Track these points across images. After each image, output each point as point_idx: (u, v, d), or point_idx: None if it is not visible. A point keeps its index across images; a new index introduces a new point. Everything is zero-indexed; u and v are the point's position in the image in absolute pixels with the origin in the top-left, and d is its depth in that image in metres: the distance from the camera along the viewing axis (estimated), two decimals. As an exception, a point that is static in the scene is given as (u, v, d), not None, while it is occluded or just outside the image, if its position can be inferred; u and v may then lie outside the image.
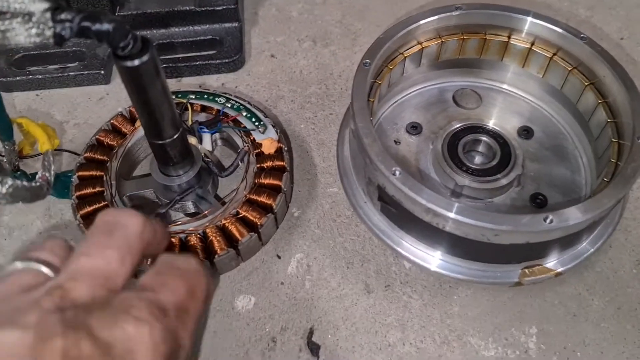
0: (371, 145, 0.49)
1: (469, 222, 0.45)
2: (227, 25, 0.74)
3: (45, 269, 0.33)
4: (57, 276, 0.32)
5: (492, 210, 0.56)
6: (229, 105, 0.63)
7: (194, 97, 0.64)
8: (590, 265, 0.57)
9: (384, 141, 0.62)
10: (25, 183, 0.54)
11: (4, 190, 0.45)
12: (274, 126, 0.62)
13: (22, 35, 0.37)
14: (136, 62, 0.42)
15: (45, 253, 0.34)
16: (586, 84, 0.58)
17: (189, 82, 0.73)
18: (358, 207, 0.57)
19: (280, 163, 0.59)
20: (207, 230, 0.55)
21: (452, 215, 0.45)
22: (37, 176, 0.56)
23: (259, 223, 0.55)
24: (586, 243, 0.55)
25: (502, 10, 0.60)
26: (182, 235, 0.54)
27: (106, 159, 0.59)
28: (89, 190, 0.56)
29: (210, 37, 0.74)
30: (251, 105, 0.64)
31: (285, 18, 0.80)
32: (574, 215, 0.46)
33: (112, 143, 0.60)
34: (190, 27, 0.74)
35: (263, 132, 0.62)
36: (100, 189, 0.57)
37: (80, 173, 0.57)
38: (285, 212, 0.61)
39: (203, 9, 0.72)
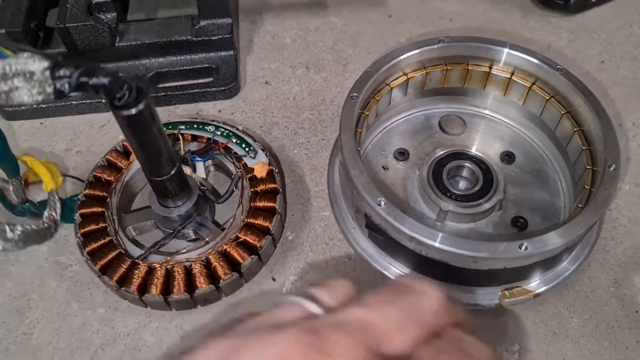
0: (358, 176, 0.52)
1: (450, 249, 0.48)
2: (222, 53, 0.77)
3: (314, 307, 0.30)
4: (321, 317, 0.29)
5: (475, 234, 0.59)
6: (219, 133, 0.66)
7: (184, 127, 0.67)
8: (570, 284, 0.60)
9: (373, 167, 0.65)
10: (33, 226, 0.58)
11: (15, 237, 0.47)
12: (263, 150, 0.65)
13: (25, 95, 0.40)
14: (133, 111, 0.44)
15: (325, 292, 0.31)
16: (563, 112, 0.61)
17: (186, 109, 0.76)
18: (347, 233, 0.60)
19: (272, 185, 0.63)
20: (210, 257, 0.58)
21: (433, 243, 0.48)
22: (44, 216, 0.60)
23: (258, 245, 0.59)
24: (566, 262, 0.58)
25: (482, 42, 0.63)
26: (187, 264, 0.57)
27: (105, 194, 0.61)
28: (92, 227, 0.59)
29: (207, 65, 0.77)
30: (240, 131, 0.67)
31: (280, 45, 0.83)
32: (549, 242, 0.49)
33: (109, 179, 0.63)
34: (187, 56, 0.77)
35: (254, 157, 0.65)
36: (103, 225, 0.59)
37: (81, 211, 0.60)
38: (282, 232, 0.64)
39: (199, 38, 0.75)
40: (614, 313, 0.59)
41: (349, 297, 0.31)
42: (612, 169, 0.52)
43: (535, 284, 0.57)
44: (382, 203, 0.50)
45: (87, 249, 0.58)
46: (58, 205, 0.62)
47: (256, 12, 0.87)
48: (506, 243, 0.47)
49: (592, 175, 0.56)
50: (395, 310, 0.28)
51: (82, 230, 0.59)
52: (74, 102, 0.74)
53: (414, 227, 0.48)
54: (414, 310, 0.29)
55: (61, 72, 0.39)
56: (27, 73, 0.39)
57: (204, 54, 0.77)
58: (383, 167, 0.65)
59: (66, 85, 0.40)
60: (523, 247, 0.48)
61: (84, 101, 0.74)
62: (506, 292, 0.54)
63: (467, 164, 0.62)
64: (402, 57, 0.62)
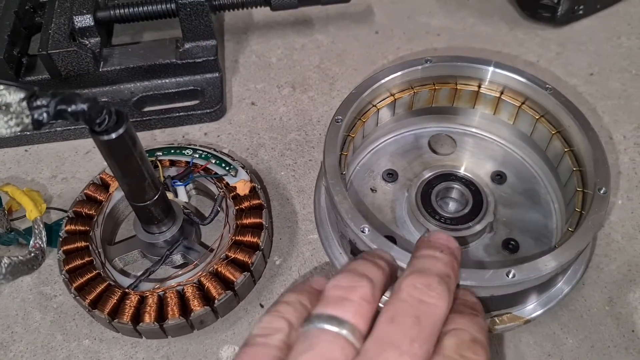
0: (341, 202, 0.51)
1: (437, 278, 0.47)
2: (208, 75, 0.77)
3: (352, 339, 0.36)
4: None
5: (465, 258, 0.58)
6: (197, 156, 0.66)
7: (161, 153, 0.66)
8: (564, 304, 0.59)
9: (361, 189, 0.64)
10: (21, 257, 0.57)
11: (3, 270, 0.47)
12: (243, 167, 0.65)
13: (3, 128, 0.39)
14: (113, 136, 0.45)
15: (352, 311, 0.37)
16: (553, 132, 0.60)
17: (172, 133, 0.75)
18: (334, 258, 0.59)
19: (256, 201, 0.62)
20: (202, 279, 0.57)
21: (420, 272, 0.47)
22: (30, 245, 0.59)
23: (249, 262, 0.58)
24: (561, 283, 0.57)
25: (469, 62, 0.62)
26: (179, 288, 0.56)
27: (88, 228, 0.60)
28: (77, 262, 0.58)
29: (192, 88, 0.76)
30: (218, 151, 0.67)
31: (265, 65, 0.82)
32: (537, 268, 0.48)
33: (90, 212, 0.62)
34: (172, 79, 0.76)
35: (235, 175, 0.64)
36: (88, 259, 0.58)
37: (64, 247, 0.59)
38: (271, 247, 0.64)
39: (184, 61, 0.75)
40: (610, 332, 0.58)
41: (372, 311, 0.38)
42: (602, 192, 0.51)
43: (531, 307, 0.56)
44: (366, 230, 0.49)
45: (75, 285, 0.57)
46: (43, 233, 0.61)
47: (241, 31, 0.86)
48: (492, 271, 0.46)
49: (582, 198, 0.55)
50: (421, 347, 0.36)
51: (67, 267, 0.58)
52: (58, 129, 0.73)
53: (398, 255, 0.47)
54: (434, 331, 0.38)
55: (38, 102, 0.39)
56: (3, 105, 0.38)
57: (189, 77, 0.77)
58: (371, 189, 0.64)
59: (44, 115, 0.40)
60: (510, 275, 0.47)
61: (69, 127, 0.73)
62: (496, 319, 0.53)
63: (456, 186, 0.61)
64: (388, 78, 0.61)
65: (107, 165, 0.50)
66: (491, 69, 0.62)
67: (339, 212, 0.51)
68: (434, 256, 0.42)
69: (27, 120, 0.39)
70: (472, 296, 0.45)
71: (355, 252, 0.54)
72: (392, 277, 0.44)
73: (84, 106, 0.41)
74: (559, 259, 0.48)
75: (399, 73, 0.61)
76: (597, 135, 0.56)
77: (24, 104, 0.39)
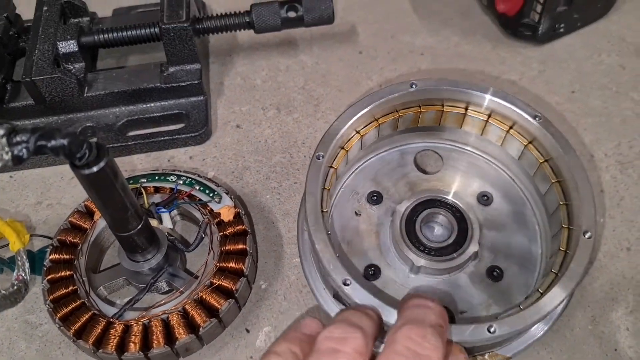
0: (323, 251, 0.51)
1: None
2: (192, 99, 0.77)
3: None
4: None
5: (450, 286, 0.59)
6: (181, 182, 0.66)
7: (145, 180, 0.66)
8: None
9: (345, 213, 0.64)
10: (3, 291, 0.57)
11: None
12: (227, 193, 0.65)
13: None
14: (94, 169, 0.45)
15: None
16: (541, 161, 0.60)
17: (157, 157, 0.75)
18: (314, 287, 0.59)
19: (241, 227, 0.62)
20: (186, 306, 0.57)
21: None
22: (13, 277, 0.59)
23: (234, 288, 0.58)
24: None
25: (455, 86, 0.61)
26: (164, 316, 0.57)
27: (72, 257, 0.60)
28: (61, 292, 0.58)
29: (177, 111, 0.77)
30: (202, 177, 0.67)
31: (250, 86, 0.82)
32: (518, 323, 0.48)
33: (74, 241, 0.62)
34: (157, 103, 0.77)
35: (219, 202, 0.65)
36: (73, 288, 0.58)
37: (49, 277, 0.59)
38: (255, 273, 0.64)
39: (168, 85, 0.75)
40: (593, 352, 0.58)
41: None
42: (587, 236, 0.51)
43: (515, 343, 0.56)
44: (348, 282, 0.49)
45: (59, 315, 0.57)
46: (26, 265, 0.61)
47: (226, 53, 0.86)
48: (474, 326, 0.46)
49: (568, 235, 0.54)
50: None
51: (51, 297, 0.58)
52: (43, 155, 0.73)
53: (380, 308, 0.47)
54: None
55: (18, 138, 0.39)
56: None
57: (174, 100, 0.77)
58: (356, 212, 0.65)
59: (24, 151, 0.40)
60: (492, 330, 0.47)
61: (54, 153, 0.73)
62: (478, 358, 0.54)
63: (441, 213, 0.61)
64: (371, 106, 0.60)
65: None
66: (477, 93, 0.61)
67: (320, 262, 0.51)
68: (426, 306, 0.43)
69: (7, 157, 0.39)
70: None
71: (338, 298, 0.54)
72: (381, 327, 0.44)
73: (64, 141, 0.41)
74: (542, 310, 0.48)
75: (383, 99, 0.60)
76: (585, 172, 0.55)
77: (4, 140, 0.39)
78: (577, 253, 0.50)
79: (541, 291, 0.50)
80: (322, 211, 0.54)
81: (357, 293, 0.49)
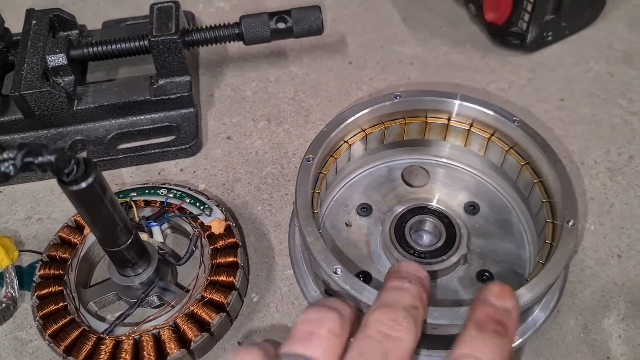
0: (314, 243, 0.52)
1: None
2: (183, 111, 0.77)
3: None
4: None
5: (440, 291, 0.59)
6: (171, 195, 0.66)
7: (135, 194, 0.66)
8: (540, 332, 0.59)
9: (336, 225, 0.65)
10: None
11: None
12: (218, 206, 0.65)
13: None
14: (83, 185, 0.45)
15: (320, 348, 0.37)
16: (522, 163, 0.61)
17: (148, 169, 0.75)
18: (309, 296, 0.59)
19: (232, 240, 0.62)
20: (178, 321, 0.57)
21: (392, 312, 0.48)
22: (1, 295, 0.58)
23: (225, 302, 0.58)
24: (538, 311, 0.58)
25: (438, 95, 0.63)
26: (155, 331, 0.56)
27: (62, 272, 0.60)
28: (51, 308, 0.58)
29: (167, 123, 0.77)
30: (192, 190, 0.67)
31: (240, 98, 0.82)
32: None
33: (64, 256, 0.61)
34: (147, 116, 0.77)
35: (209, 215, 0.64)
36: (62, 304, 0.58)
37: (38, 293, 0.59)
38: (247, 285, 0.64)
39: (158, 98, 0.75)
40: (586, 360, 0.58)
41: (339, 343, 0.38)
42: (570, 224, 0.52)
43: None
44: (339, 271, 0.50)
45: (49, 332, 0.56)
46: (15, 281, 0.61)
47: (217, 65, 0.87)
48: (464, 308, 0.47)
49: (552, 229, 0.56)
50: None
51: (41, 313, 0.57)
52: (31, 171, 0.73)
53: (371, 295, 0.48)
54: None
55: (4, 155, 0.39)
56: None
57: (164, 113, 0.77)
58: (346, 223, 0.65)
59: (11, 168, 0.39)
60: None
61: (43, 167, 0.73)
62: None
63: (429, 219, 0.62)
64: (358, 115, 0.61)
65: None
66: (458, 102, 0.63)
67: (311, 253, 0.51)
68: (401, 288, 0.43)
69: None
70: (507, 301, 0.42)
71: (329, 291, 0.54)
72: (359, 317, 0.44)
73: (51, 157, 0.41)
74: (530, 293, 0.49)
75: (369, 109, 0.62)
76: (564, 167, 0.57)
77: None
78: (561, 240, 0.51)
79: (528, 279, 0.51)
80: (313, 212, 0.54)
81: (348, 281, 0.49)
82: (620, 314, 0.61)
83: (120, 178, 0.75)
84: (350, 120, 0.61)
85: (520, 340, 0.56)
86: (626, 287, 0.63)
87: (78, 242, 0.63)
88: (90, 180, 0.45)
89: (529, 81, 0.83)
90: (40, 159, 0.41)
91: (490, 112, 0.61)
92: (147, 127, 0.77)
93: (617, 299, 0.62)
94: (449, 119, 0.65)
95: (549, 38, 0.84)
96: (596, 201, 0.70)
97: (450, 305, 0.56)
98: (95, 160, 0.72)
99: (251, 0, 0.96)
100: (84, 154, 0.75)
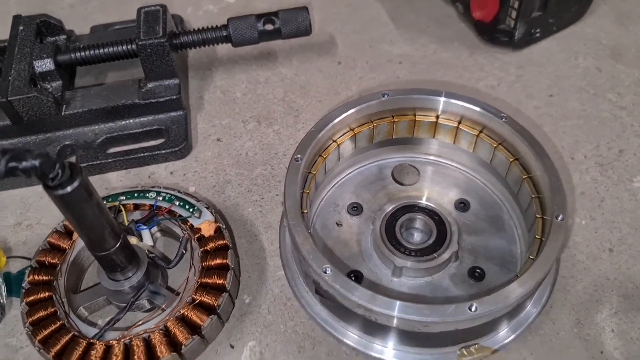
0: (303, 243, 0.52)
1: (398, 315, 0.47)
2: (172, 114, 0.77)
3: None
4: None
5: (433, 288, 0.59)
6: (161, 198, 0.66)
7: (124, 197, 0.66)
8: (534, 329, 0.59)
9: (327, 224, 0.65)
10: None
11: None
12: (207, 208, 0.65)
13: None
14: (68, 189, 0.44)
15: None
16: (511, 159, 0.61)
17: (138, 173, 0.75)
18: (300, 297, 0.59)
19: (222, 242, 0.62)
20: (169, 324, 0.56)
21: (381, 310, 0.48)
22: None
23: (216, 304, 0.58)
24: (530, 307, 0.58)
25: (425, 94, 0.63)
26: (145, 335, 0.56)
27: (51, 278, 0.60)
28: (41, 314, 0.57)
29: (157, 127, 0.76)
30: (182, 192, 0.67)
31: (230, 100, 0.82)
32: (498, 301, 0.48)
33: (53, 261, 0.61)
34: (136, 119, 0.76)
35: (199, 217, 0.64)
36: (52, 310, 0.58)
37: (27, 299, 0.58)
38: (238, 287, 0.64)
39: (147, 101, 0.75)
40: (580, 355, 0.58)
41: None
42: (559, 219, 0.52)
43: (500, 335, 0.56)
44: (328, 270, 0.49)
45: (38, 338, 0.56)
46: (3, 288, 0.61)
47: (206, 67, 0.86)
48: (454, 305, 0.47)
49: (542, 224, 0.56)
50: None
51: (30, 319, 0.57)
52: (16, 177, 0.73)
53: (361, 295, 0.48)
54: None
55: None
56: None
57: (153, 116, 0.77)
58: (337, 223, 0.65)
59: None
60: (473, 309, 0.47)
61: (32, 173, 0.73)
62: (464, 351, 0.54)
63: (420, 216, 0.62)
64: (346, 114, 0.61)
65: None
66: (444, 99, 0.63)
67: (301, 252, 0.51)
68: None
69: None
70: None
71: (319, 291, 0.54)
72: None
73: (36, 162, 0.41)
74: (521, 288, 0.49)
75: (357, 108, 0.62)
76: (552, 162, 0.57)
77: None
78: (551, 234, 0.52)
79: (519, 274, 0.51)
80: (302, 212, 0.54)
81: (337, 280, 0.49)
82: (612, 308, 0.61)
83: (109, 182, 0.74)
84: (338, 119, 0.61)
85: (512, 337, 0.56)
86: (618, 281, 0.62)
87: (67, 247, 0.62)
88: (75, 184, 0.44)
89: (517, 78, 0.83)
90: (24, 163, 0.40)
91: (478, 109, 0.61)
92: (137, 130, 0.76)
93: (610, 293, 0.62)
94: (437, 117, 0.65)
95: (537, 35, 0.85)
96: (587, 196, 0.70)
97: (442, 302, 0.56)
98: (84, 164, 0.73)
99: (240, 3, 0.96)
100: (72, 159, 0.75)
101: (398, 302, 0.47)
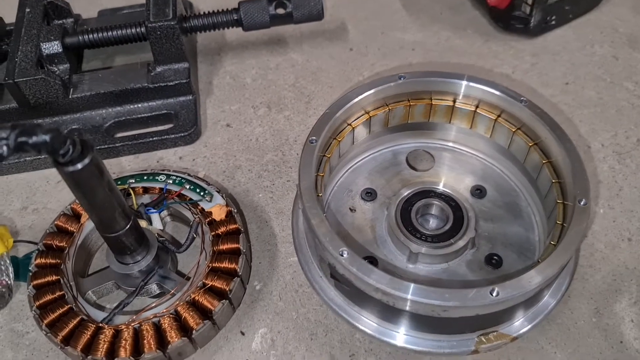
0: (319, 225, 0.50)
1: (417, 299, 0.46)
2: (181, 99, 0.75)
3: None
4: None
5: (449, 275, 0.57)
6: (171, 182, 0.64)
7: (133, 180, 0.65)
8: (551, 318, 0.58)
9: (340, 210, 0.63)
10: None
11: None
12: (219, 192, 0.64)
13: None
14: (79, 166, 0.43)
15: None
16: (530, 144, 0.60)
17: (146, 158, 0.73)
18: (314, 282, 0.58)
19: (233, 226, 0.61)
20: (179, 308, 0.55)
21: (400, 294, 0.46)
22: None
23: (227, 289, 0.56)
24: (547, 297, 0.56)
25: (442, 76, 0.62)
26: (155, 320, 0.55)
27: (59, 261, 0.58)
28: (48, 298, 0.56)
29: (165, 111, 0.75)
30: (192, 176, 0.65)
31: (240, 85, 0.81)
32: (520, 285, 0.47)
33: (61, 244, 0.60)
34: (145, 104, 0.75)
35: (210, 200, 0.63)
36: (60, 293, 0.56)
37: (35, 282, 0.57)
38: (250, 272, 0.62)
39: (156, 85, 0.73)
40: (598, 345, 0.57)
41: None
42: (582, 203, 0.51)
43: (518, 323, 0.55)
44: (345, 253, 0.48)
45: (46, 321, 0.54)
46: (10, 269, 0.59)
47: (215, 52, 0.85)
48: (475, 290, 0.45)
49: (563, 210, 0.54)
50: None
51: (37, 303, 0.56)
52: (28, 158, 0.72)
53: (378, 278, 0.46)
54: None
55: None
56: None
57: (162, 101, 0.75)
58: (350, 208, 0.63)
59: (4, 148, 0.38)
60: (494, 293, 0.45)
61: (39, 157, 0.72)
62: (482, 338, 0.52)
63: (436, 202, 0.60)
64: (362, 96, 0.60)
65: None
66: (465, 82, 0.61)
67: (316, 235, 0.50)
68: None
69: None
70: None
71: (334, 275, 0.52)
72: None
73: (46, 137, 0.39)
74: (542, 274, 0.48)
75: (373, 90, 0.60)
76: (574, 146, 0.55)
77: None
78: (573, 219, 0.50)
79: (540, 261, 0.49)
80: (317, 195, 0.53)
81: (354, 263, 0.48)
82: (632, 298, 0.59)
83: (117, 167, 0.73)
84: (354, 101, 0.59)
85: (530, 326, 0.55)
86: (638, 270, 0.61)
87: (75, 230, 0.61)
88: (86, 161, 0.43)
89: (532, 65, 0.81)
90: (34, 138, 0.39)
91: (497, 93, 0.60)
92: (145, 115, 0.75)
93: (629, 283, 0.60)
94: (454, 101, 0.63)
95: (553, 22, 0.83)
96: (604, 184, 0.68)
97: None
98: (92, 148, 0.71)
99: (249, -12, 0.95)
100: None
101: (418, 286, 0.46)
